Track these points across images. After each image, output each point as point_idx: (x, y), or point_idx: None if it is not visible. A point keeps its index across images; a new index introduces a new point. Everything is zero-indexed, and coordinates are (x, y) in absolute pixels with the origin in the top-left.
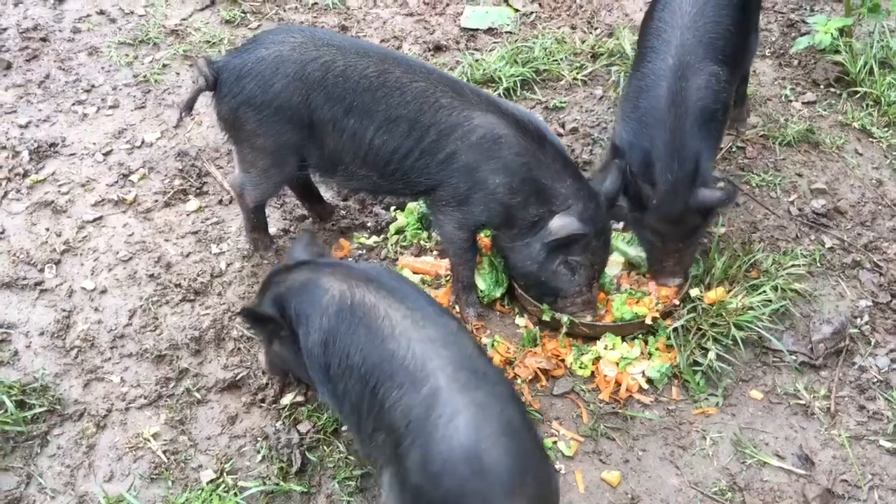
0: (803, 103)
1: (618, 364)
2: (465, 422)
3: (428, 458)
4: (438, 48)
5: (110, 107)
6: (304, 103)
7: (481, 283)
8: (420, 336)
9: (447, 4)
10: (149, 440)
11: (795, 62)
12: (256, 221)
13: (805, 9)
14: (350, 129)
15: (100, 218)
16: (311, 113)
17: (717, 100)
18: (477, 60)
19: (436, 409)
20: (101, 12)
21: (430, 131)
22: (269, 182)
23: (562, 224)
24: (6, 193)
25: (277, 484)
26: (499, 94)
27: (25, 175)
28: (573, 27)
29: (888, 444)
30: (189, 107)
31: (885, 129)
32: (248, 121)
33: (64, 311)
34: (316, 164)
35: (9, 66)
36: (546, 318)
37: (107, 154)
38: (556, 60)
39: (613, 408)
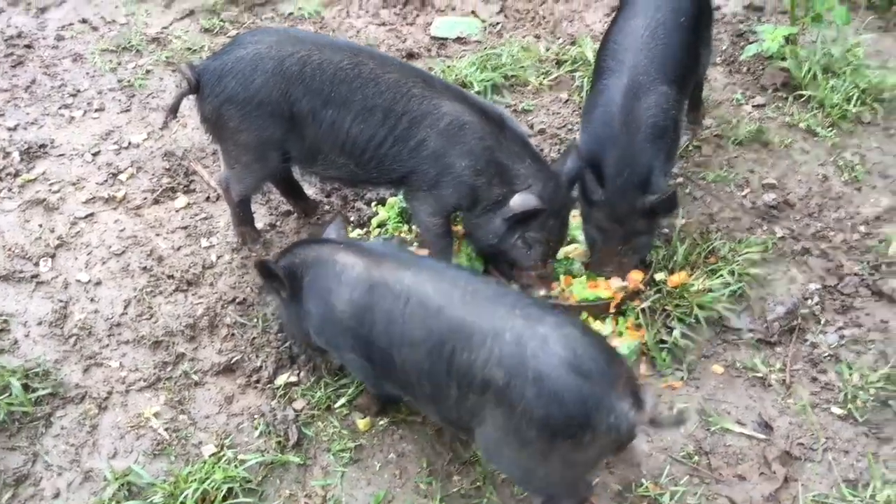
0: (753, 106)
1: None
2: (555, 343)
3: (542, 386)
4: (411, 55)
5: (96, 110)
6: (283, 97)
7: None
8: (476, 296)
9: (417, 15)
10: (150, 419)
11: (745, 69)
12: (243, 216)
13: (753, 19)
14: (328, 119)
15: (91, 214)
16: (290, 106)
17: (667, 117)
18: (449, 66)
19: (527, 347)
20: (84, 21)
21: (402, 119)
22: (253, 177)
23: (521, 201)
24: None
25: (276, 456)
26: None
27: (17, 175)
28: (537, 37)
29: (839, 412)
30: (174, 110)
31: (829, 129)
32: (232, 118)
33: (61, 301)
34: (297, 155)
35: None
36: None
37: (95, 154)
38: (522, 66)
39: None
